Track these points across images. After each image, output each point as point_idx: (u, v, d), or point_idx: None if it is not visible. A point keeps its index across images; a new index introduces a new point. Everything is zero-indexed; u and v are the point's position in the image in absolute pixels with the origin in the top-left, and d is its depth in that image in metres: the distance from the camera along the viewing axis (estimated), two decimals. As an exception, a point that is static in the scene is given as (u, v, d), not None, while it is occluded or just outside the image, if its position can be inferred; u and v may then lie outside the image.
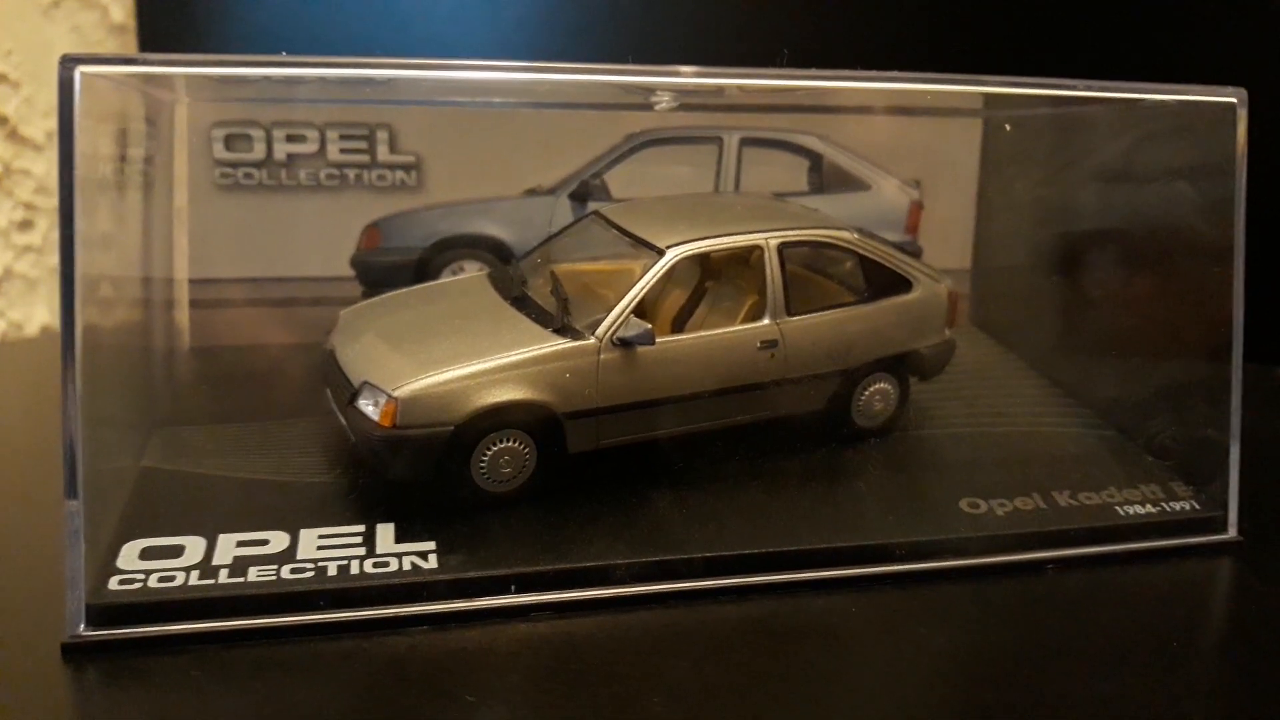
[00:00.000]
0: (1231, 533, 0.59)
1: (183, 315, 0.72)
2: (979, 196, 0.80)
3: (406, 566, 0.50)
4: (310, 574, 0.50)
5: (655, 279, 0.57)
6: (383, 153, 0.73)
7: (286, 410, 0.64)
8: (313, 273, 0.74)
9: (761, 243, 0.59)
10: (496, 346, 0.55)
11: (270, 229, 0.73)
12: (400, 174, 0.74)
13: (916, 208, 0.81)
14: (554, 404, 0.55)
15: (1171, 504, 0.60)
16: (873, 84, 0.57)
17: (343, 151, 0.73)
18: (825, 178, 0.79)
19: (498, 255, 0.76)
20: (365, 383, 0.54)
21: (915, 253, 0.75)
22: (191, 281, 0.72)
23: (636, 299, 0.56)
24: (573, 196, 0.76)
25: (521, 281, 0.61)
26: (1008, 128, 0.60)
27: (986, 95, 0.66)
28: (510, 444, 0.55)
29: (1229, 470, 0.59)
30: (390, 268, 0.75)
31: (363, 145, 0.73)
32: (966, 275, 0.82)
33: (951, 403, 0.68)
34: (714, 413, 0.59)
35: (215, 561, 0.50)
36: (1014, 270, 0.79)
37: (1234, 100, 0.57)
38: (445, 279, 0.66)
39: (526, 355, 0.54)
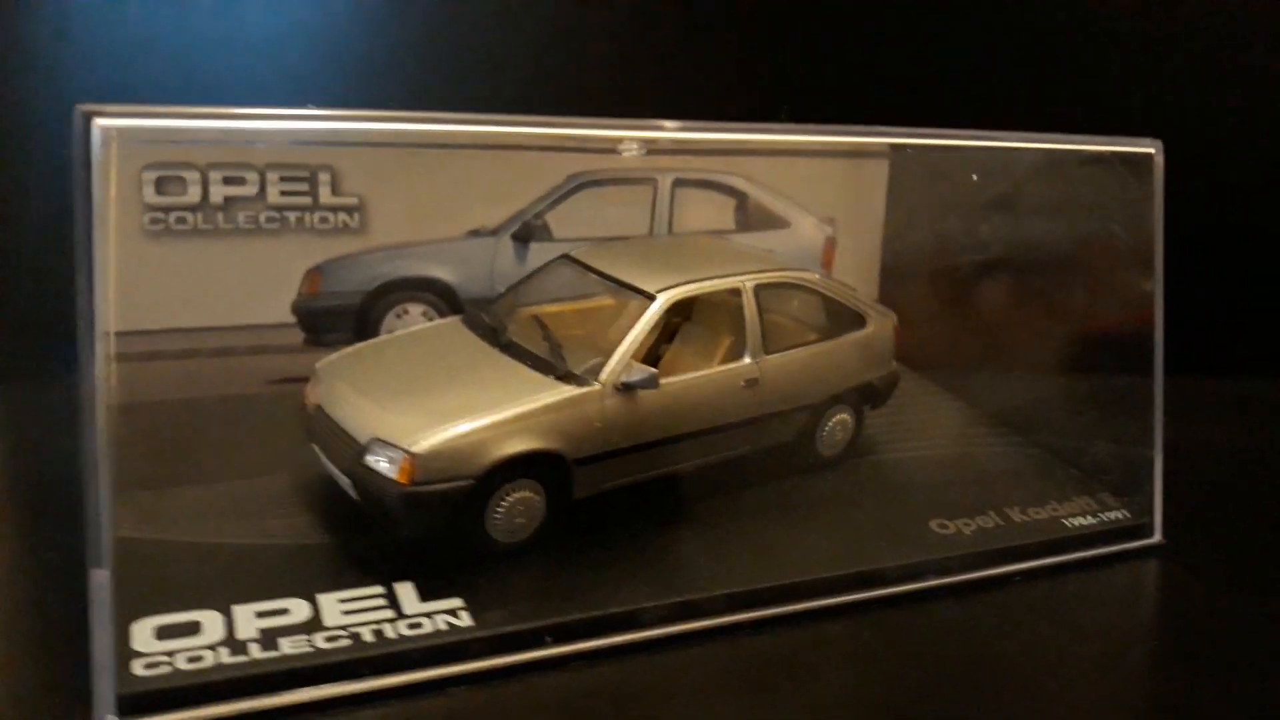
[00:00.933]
0: (1157, 537, 0.66)
1: (110, 369, 0.67)
2: (886, 231, 0.86)
3: (442, 626, 0.50)
4: (347, 642, 0.48)
5: (652, 324, 0.58)
6: (325, 194, 0.71)
7: (246, 469, 0.61)
8: (250, 320, 0.71)
9: (740, 285, 0.61)
10: (507, 396, 0.55)
11: (206, 276, 0.69)
12: (343, 216, 0.72)
13: (830, 244, 0.85)
14: (565, 451, 0.55)
15: (1105, 514, 0.66)
16: (810, 136, 0.61)
17: (283, 194, 0.70)
18: (749, 216, 0.83)
19: (442, 298, 0.75)
20: (375, 439, 0.53)
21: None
22: (119, 334, 0.67)
23: (636, 344, 0.57)
24: (515, 237, 0.76)
25: (502, 328, 0.61)
26: (975, 178, 0.65)
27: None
28: (524, 493, 0.55)
29: (1154, 479, 0.66)
30: (333, 313, 0.73)
31: (304, 187, 0.71)
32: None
33: (890, 429, 0.72)
34: (702, 450, 0.60)
35: (241, 636, 0.48)
36: (922, 299, 0.84)
37: (1152, 151, 0.64)
38: (417, 327, 0.65)
39: (538, 404, 0.54)
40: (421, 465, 0.51)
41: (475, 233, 0.76)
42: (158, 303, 0.68)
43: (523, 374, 0.57)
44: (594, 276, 0.62)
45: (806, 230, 0.85)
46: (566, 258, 0.65)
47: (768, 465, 0.64)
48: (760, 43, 1.03)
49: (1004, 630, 0.57)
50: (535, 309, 0.62)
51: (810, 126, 0.62)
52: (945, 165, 0.76)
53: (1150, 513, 0.66)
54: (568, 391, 0.55)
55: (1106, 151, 0.64)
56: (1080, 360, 0.70)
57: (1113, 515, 0.66)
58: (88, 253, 0.43)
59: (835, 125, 0.62)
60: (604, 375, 0.56)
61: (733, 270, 0.62)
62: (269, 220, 0.71)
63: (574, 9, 1.01)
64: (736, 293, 0.61)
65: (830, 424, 0.66)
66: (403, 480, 0.52)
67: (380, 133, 0.57)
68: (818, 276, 0.65)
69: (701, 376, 0.60)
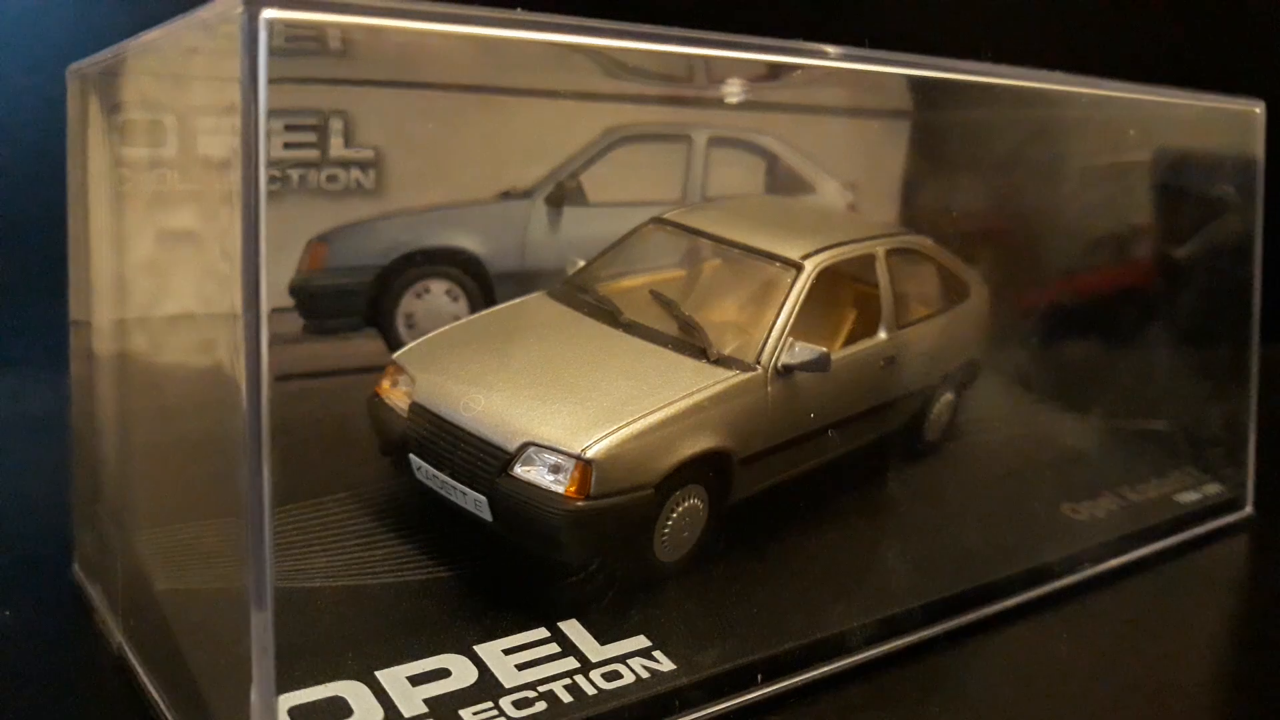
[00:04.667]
0: (1248, 509, 0.64)
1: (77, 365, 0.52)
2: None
3: (643, 674, 0.40)
4: (542, 706, 0.38)
5: (804, 295, 0.50)
6: (335, 146, 0.58)
7: (307, 488, 0.48)
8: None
9: (874, 251, 0.54)
10: (668, 386, 0.45)
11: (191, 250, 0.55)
12: (355, 173, 0.59)
13: (850, 210, 0.79)
14: (734, 449, 0.46)
15: (1204, 488, 0.63)
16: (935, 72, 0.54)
17: (287, 146, 0.57)
18: (779, 179, 0.75)
19: (468, 272, 0.63)
20: (529, 443, 0.42)
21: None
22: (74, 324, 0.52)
23: (791, 318, 0.49)
24: (548, 200, 0.65)
25: (613, 305, 0.51)
26: (1131, 132, 0.60)
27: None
28: (693, 500, 0.45)
29: (1248, 452, 0.64)
30: (338, 293, 0.60)
31: (311, 138, 0.58)
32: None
33: (965, 407, 0.67)
34: (844, 441, 0.53)
35: (408, 714, 0.36)
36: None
37: (1256, 110, 0.61)
38: (498, 306, 0.53)
39: (705, 394, 0.45)
40: (599, 473, 0.41)
41: (506, 195, 0.65)
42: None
43: (673, 359, 0.47)
44: (709, 242, 0.53)
45: (829, 195, 0.79)
46: (661, 221, 0.55)
47: (879, 453, 0.58)
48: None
49: (1171, 619, 0.53)
50: (641, 282, 0.52)
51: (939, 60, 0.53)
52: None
53: (1244, 485, 0.64)
54: (731, 378, 0.46)
55: (1211, 107, 0.61)
56: (1166, 330, 0.67)
57: (1213, 489, 0.64)
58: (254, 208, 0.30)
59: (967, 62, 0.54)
60: (764, 356, 0.48)
61: (858, 233, 0.55)
62: (270, 179, 0.57)
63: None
64: (871, 259, 0.54)
65: (938, 405, 0.60)
66: (573, 493, 0.41)
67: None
68: (931, 242, 0.58)
69: (851, 355, 0.52)
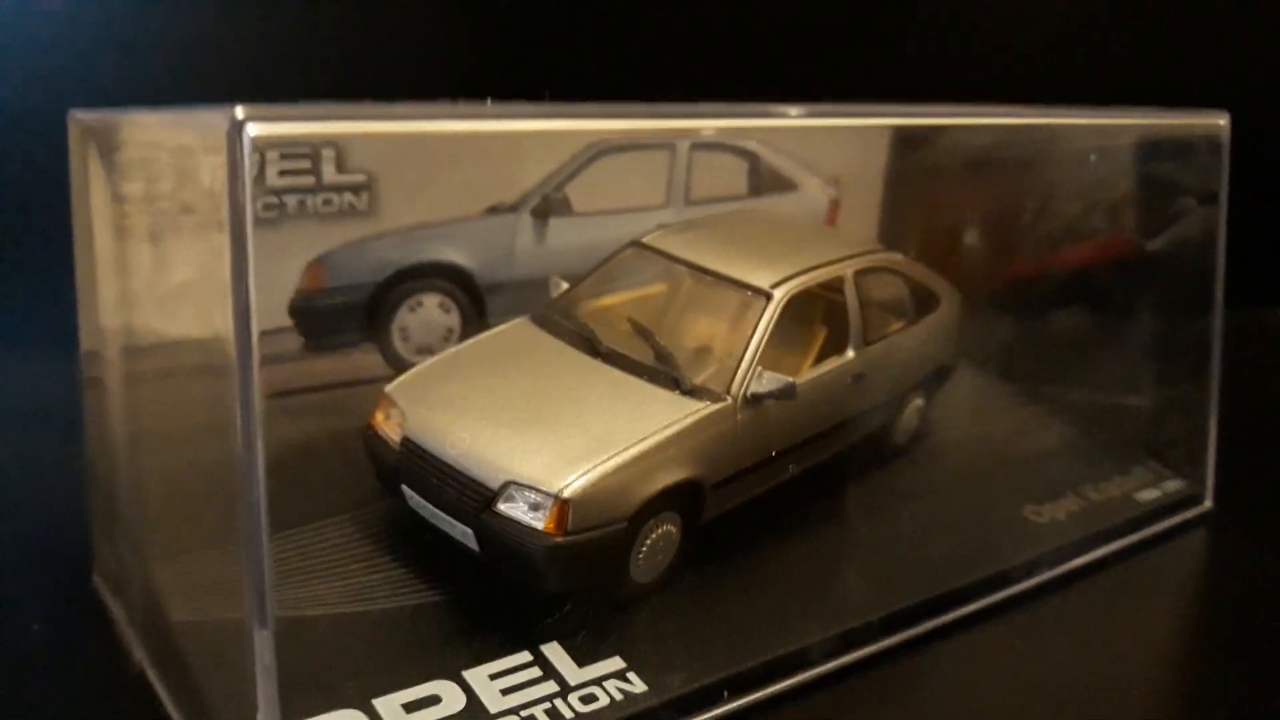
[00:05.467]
0: (1208, 503, 0.68)
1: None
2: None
3: (617, 696, 0.44)
4: (524, 730, 0.41)
5: (773, 324, 0.53)
6: (329, 173, 0.61)
7: (302, 514, 0.52)
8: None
9: (843, 273, 0.57)
10: (642, 420, 0.48)
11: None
12: (349, 197, 0.62)
13: (835, 206, 0.81)
14: (705, 476, 0.49)
15: (1164, 484, 0.67)
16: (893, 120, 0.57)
17: (282, 174, 0.59)
18: (761, 179, 0.77)
19: (459, 285, 0.66)
20: (510, 482, 0.45)
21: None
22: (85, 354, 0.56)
23: (761, 348, 0.52)
24: (534, 213, 0.68)
25: (591, 333, 0.54)
26: (1093, 158, 0.62)
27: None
28: (666, 527, 0.49)
29: (1207, 451, 0.67)
30: (338, 310, 0.63)
31: (306, 165, 0.60)
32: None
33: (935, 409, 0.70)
34: (813, 455, 0.56)
35: (404, 742, 0.40)
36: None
37: (1221, 123, 0.63)
38: (484, 335, 0.56)
39: (679, 428, 0.48)
40: (576, 511, 0.44)
41: (493, 210, 0.67)
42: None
43: (647, 391, 0.50)
44: (683, 268, 0.56)
45: (812, 192, 0.81)
46: (639, 245, 0.58)
47: (848, 460, 0.61)
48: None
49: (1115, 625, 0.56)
50: (622, 307, 0.55)
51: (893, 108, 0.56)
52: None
53: (1204, 480, 0.67)
54: (702, 410, 0.49)
55: (1176, 125, 0.63)
56: (1129, 327, 0.69)
57: (1173, 485, 0.67)
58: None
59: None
60: (734, 387, 0.51)
61: (831, 255, 0.57)
62: (265, 208, 0.60)
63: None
64: (840, 281, 0.57)
65: (907, 410, 0.63)
66: (552, 529, 0.44)
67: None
68: (902, 258, 0.61)
69: (818, 377, 0.55)
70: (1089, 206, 0.65)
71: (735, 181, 0.78)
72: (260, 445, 0.35)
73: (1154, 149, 0.65)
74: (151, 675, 0.47)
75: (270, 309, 0.57)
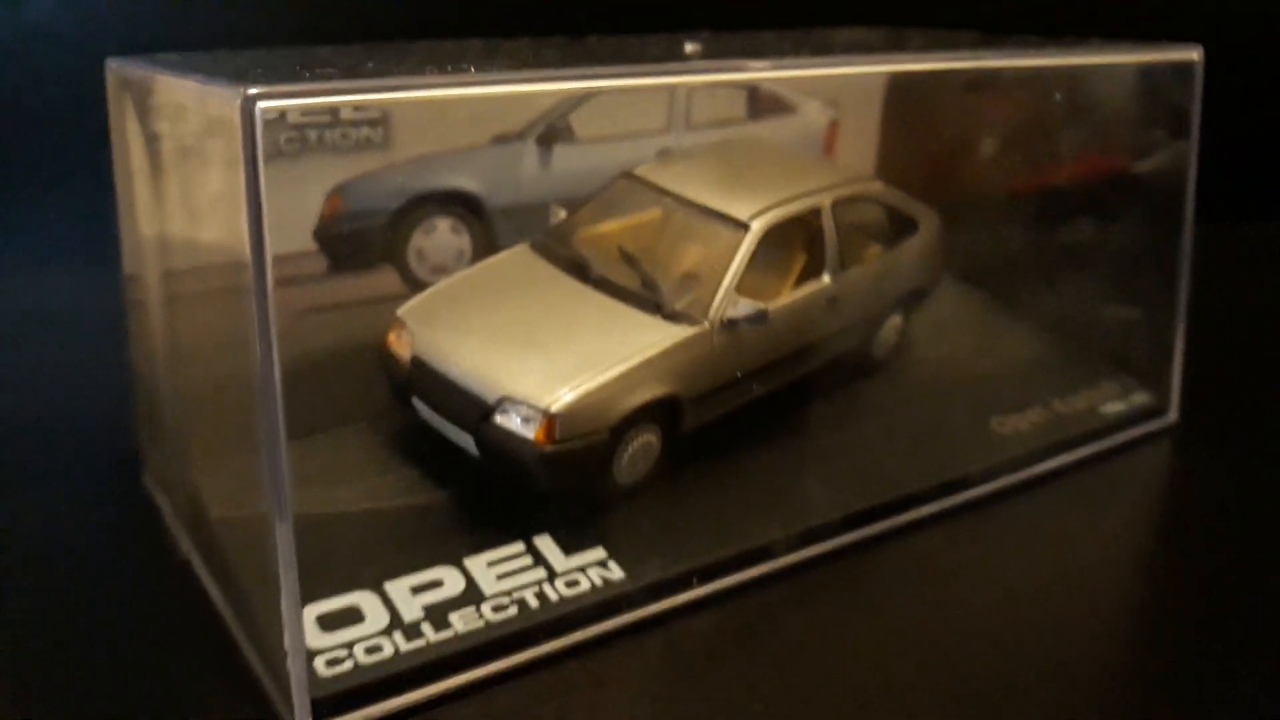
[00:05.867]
0: (1172, 416, 0.72)
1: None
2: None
3: (598, 582, 0.50)
4: (514, 611, 0.48)
5: (749, 254, 0.57)
6: (346, 110, 0.65)
7: (328, 419, 0.58)
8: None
9: (820, 204, 0.61)
10: (626, 343, 0.53)
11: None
12: (365, 130, 0.66)
13: (834, 127, 0.85)
14: (681, 393, 0.55)
15: (1131, 397, 0.71)
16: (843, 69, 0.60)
17: (302, 111, 0.64)
18: (760, 103, 0.81)
19: (469, 209, 0.71)
20: (505, 398, 0.51)
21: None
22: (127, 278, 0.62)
23: (737, 277, 0.56)
24: (539, 140, 0.72)
25: (584, 260, 0.58)
26: (1058, 97, 0.65)
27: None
28: (646, 437, 0.54)
29: (1174, 365, 0.71)
30: (358, 235, 0.68)
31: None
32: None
33: (921, 323, 0.74)
34: (789, 371, 0.61)
35: (408, 618, 0.47)
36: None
37: (1194, 57, 0.66)
38: (489, 260, 0.61)
39: (658, 350, 0.53)
40: (562, 424, 0.50)
41: (500, 139, 0.72)
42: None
43: (631, 316, 0.55)
44: (670, 199, 0.60)
45: (811, 114, 0.84)
46: (630, 176, 0.62)
47: (829, 372, 0.66)
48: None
49: (1066, 528, 0.61)
50: (613, 237, 0.60)
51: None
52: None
53: (1169, 393, 0.72)
54: (680, 333, 0.54)
55: (1148, 60, 0.66)
56: (1100, 243, 0.73)
57: (1139, 398, 0.71)
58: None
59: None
60: (711, 313, 0.55)
61: (810, 185, 0.61)
62: (288, 141, 0.65)
63: None
64: (817, 211, 0.61)
65: (886, 328, 0.67)
66: (541, 440, 0.50)
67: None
68: (882, 186, 0.65)
69: (794, 301, 0.59)
70: (1067, 133, 0.68)
71: (734, 106, 0.81)
72: (276, 360, 0.40)
73: (1130, 80, 0.68)
74: (196, 564, 0.53)
75: (295, 234, 0.63)
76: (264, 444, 0.41)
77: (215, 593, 0.51)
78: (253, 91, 0.38)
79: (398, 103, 0.46)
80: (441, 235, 0.72)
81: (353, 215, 0.68)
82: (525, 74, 0.47)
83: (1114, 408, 0.70)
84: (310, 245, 0.67)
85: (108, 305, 0.64)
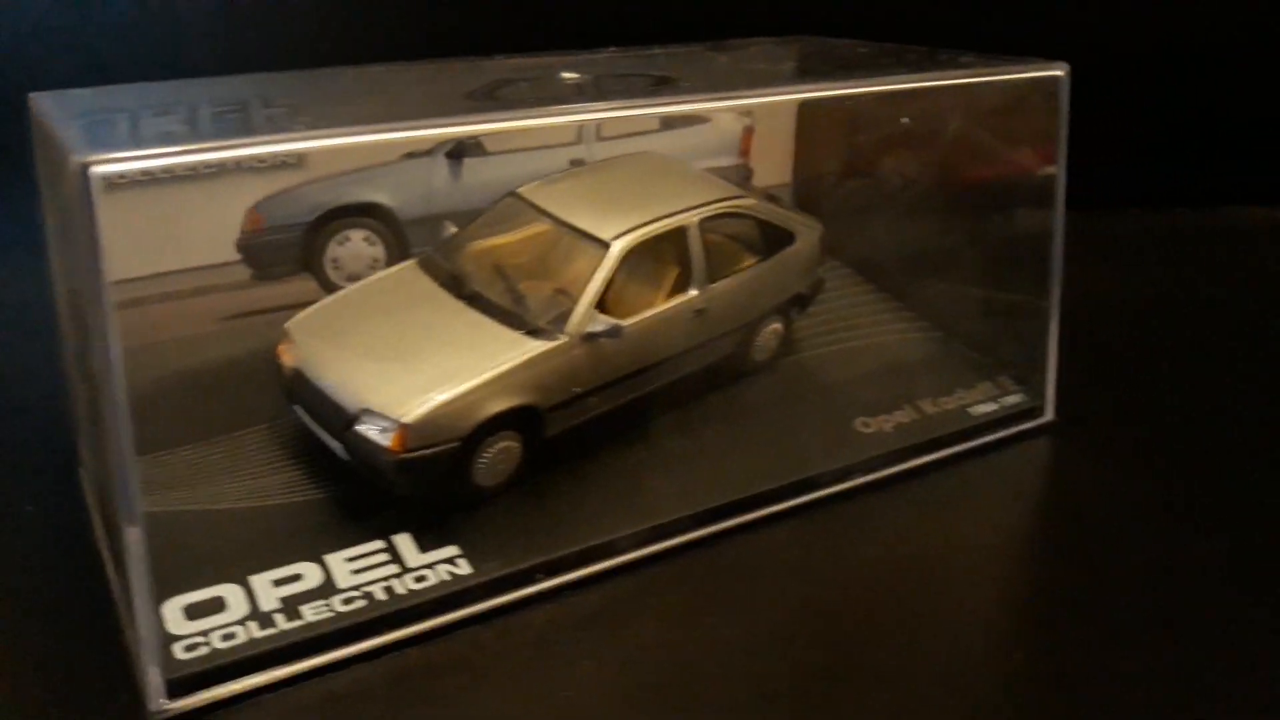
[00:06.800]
0: (1049, 416, 0.76)
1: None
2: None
3: (445, 577, 0.56)
4: (362, 603, 0.54)
5: (609, 273, 0.62)
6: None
7: (226, 424, 0.64)
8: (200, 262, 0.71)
9: (686, 223, 0.65)
10: (484, 358, 0.58)
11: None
12: (278, 150, 0.72)
13: (749, 133, 0.88)
14: (538, 402, 0.60)
15: (1005, 399, 0.75)
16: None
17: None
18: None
19: (381, 221, 0.76)
20: (365, 409, 0.56)
21: (748, 176, 0.83)
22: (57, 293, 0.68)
23: (596, 295, 0.61)
24: (448, 155, 0.77)
25: (462, 277, 0.63)
26: (905, 120, 0.68)
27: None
28: (504, 443, 0.59)
29: (1047, 368, 0.75)
30: (276, 246, 0.74)
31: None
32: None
33: (808, 321, 0.78)
34: (655, 379, 0.66)
35: (264, 608, 0.53)
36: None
37: (1060, 74, 0.69)
38: (378, 275, 0.67)
39: (513, 364, 0.59)
40: (413, 434, 0.56)
41: (410, 154, 0.77)
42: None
43: (494, 331, 0.60)
44: (548, 220, 0.65)
45: (725, 122, 0.88)
46: (515, 196, 0.67)
47: (705, 377, 0.70)
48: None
49: (918, 523, 0.66)
50: (491, 253, 0.65)
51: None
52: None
53: (1044, 394, 0.75)
54: (538, 347, 0.60)
55: (1015, 79, 0.69)
56: (983, 251, 0.76)
57: (1012, 399, 0.75)
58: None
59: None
60: (570, 327, 0.60)
61: (680, 205, 0.66)
62: (206, 165, 0.70)
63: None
64: (683, 230, 0.65)
65: (764, 334, 0.72)
66: (395, 448, 0.56)
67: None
68: (754, 201, 0.69)
69: (656, 315, 0.64)
70: (939, 147, 0.72)
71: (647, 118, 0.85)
72: (120, 382, 0.46)
73: (998, 94, 0.71)
74: (104, 555, 0.60)
75: (219, 247, 0.69)
76: (113, 456, 0.47)
77: (115, 582, 0.58)
78: (89, 159, 0.43)
79: (236, 159, 0.50)
80: (356, 245, 0.77)
81: (271, 229, 0.74)
82: (367, 127, 0.52)
83: (985, 408, 0.74)
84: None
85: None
